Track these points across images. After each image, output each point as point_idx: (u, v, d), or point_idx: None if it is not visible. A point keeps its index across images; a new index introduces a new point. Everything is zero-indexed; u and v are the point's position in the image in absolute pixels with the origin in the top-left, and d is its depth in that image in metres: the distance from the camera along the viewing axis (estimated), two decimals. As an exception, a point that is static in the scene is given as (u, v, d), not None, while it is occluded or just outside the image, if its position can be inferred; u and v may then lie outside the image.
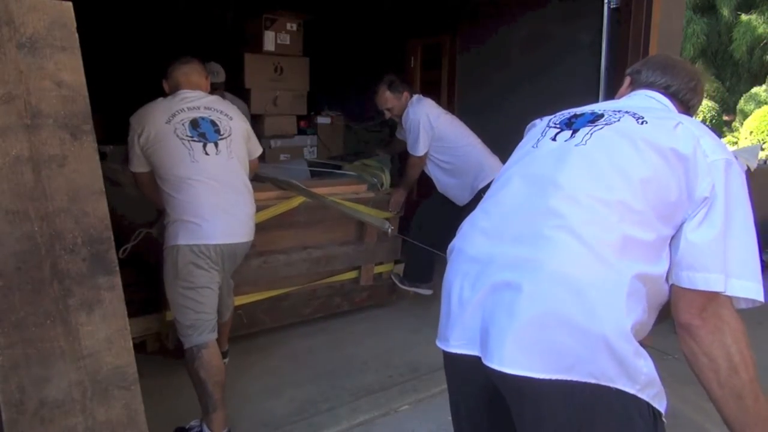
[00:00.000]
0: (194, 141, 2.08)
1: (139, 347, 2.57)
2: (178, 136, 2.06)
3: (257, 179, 2.66)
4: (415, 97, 3.33)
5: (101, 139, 1.48)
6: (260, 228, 2.57)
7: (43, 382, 1.22)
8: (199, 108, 2.16)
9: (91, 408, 1.28)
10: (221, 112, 2.23)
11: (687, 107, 1.29)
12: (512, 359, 0.97)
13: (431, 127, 3.24)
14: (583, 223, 1.01)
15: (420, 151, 3.25)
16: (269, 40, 4.47)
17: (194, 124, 2.11)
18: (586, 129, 1.14)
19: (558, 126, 1.21)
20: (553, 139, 1.18)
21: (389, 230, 2.99)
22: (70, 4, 1.25)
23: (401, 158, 4.02)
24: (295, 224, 2.96)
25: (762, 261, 1.06)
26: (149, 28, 5.06)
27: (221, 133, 2.16)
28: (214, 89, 3.71)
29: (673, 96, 1.27)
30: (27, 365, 1.20)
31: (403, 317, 3.47)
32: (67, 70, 1.25)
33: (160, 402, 2.24)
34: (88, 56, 1.30)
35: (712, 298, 0.99)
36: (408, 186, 3.40)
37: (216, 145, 2.12)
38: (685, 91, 1.28)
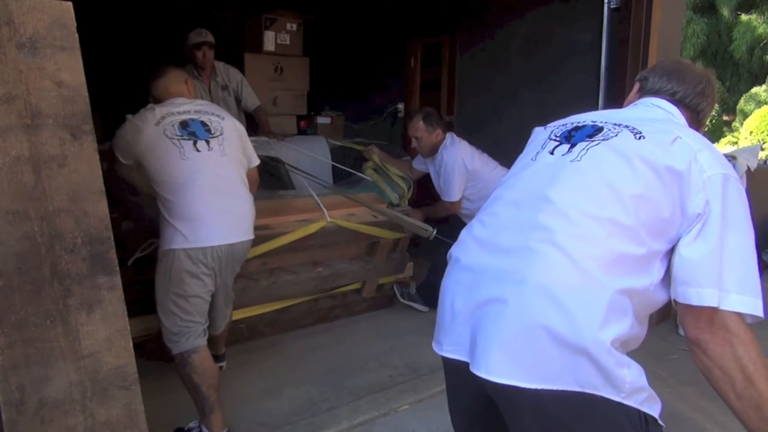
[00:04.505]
0: (183, 139, 2.07)
1: (139, 348, 2.56)
2: (167, 135, 2.05)
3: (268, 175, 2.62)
4: (449, 138, 3.33)
5: (101, 139, 1.48)
6: (274, 251, 2.55)
7: (43, 382, 1.21)
8: (189, 111, 2.17)
9: (91, 408, 1.28)
10: (212, 114, 2.23)
11: (696, 112, 1.27)
12: (499, 369, 0.99)
13: (467, 171, 3.26)
14: (570, 237, 1.02)
15: (455, 196, 3.25)
16: (269, 40, 4.47)
17: (183, 124, 2.11)
18: (583, 144, 1.15)
19: (558, 139, 1.22)
20: (551, 152, 1.19)
21: (433, 233, 3.04)
22: (70, 4, 1.25)
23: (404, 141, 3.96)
24: (310, 248, 2.96)
25: (762, 261, 1.05)
26: (149, 28, 5.06)
27: (212, 132, 2.15)
28: (207, 48, 3.64)
29: (679, 102, 1.26)
30: (27, 365, 1.19)
31: (403, 317, 3.47)
32: (67, 70, 1.25)
33: (160, 402, 2.23)
34: (88, 56, 1.30)
35: (718, 312, 0.99)
36: (428, 214, 3.40)
37: (207, 142, 2.11)
38: (692, 96, 1.26)
